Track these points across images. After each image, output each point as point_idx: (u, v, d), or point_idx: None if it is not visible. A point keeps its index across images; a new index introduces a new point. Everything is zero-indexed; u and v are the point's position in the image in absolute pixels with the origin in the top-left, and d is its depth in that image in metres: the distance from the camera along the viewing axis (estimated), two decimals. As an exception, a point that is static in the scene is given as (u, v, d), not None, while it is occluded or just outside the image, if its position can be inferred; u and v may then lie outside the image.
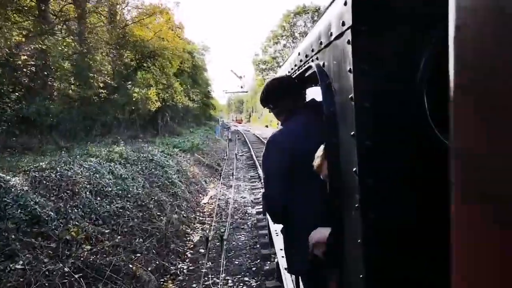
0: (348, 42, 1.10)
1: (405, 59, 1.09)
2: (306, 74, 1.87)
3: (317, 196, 1.66)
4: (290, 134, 1.93)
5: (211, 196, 10.29)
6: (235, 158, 17.58)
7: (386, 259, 1.12)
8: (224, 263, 5.70)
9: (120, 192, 6.54)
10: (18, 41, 10.44)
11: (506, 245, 0.35)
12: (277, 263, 4.60)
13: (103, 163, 7.37)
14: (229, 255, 6.11)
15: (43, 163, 6.28)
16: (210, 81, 40.71)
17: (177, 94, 20.43)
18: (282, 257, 3.51)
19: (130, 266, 4.78)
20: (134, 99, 15.83)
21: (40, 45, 10.67)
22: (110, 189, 6.36)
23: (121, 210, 6.01)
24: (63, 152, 9.15)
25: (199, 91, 30.81)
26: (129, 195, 6.67)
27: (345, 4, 1.10)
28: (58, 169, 5.95)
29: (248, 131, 45.32)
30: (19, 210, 4.42)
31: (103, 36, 15.57)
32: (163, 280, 5.16)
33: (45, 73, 12.02)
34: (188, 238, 6.94)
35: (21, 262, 3.84)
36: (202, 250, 6.33)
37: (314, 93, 2.21)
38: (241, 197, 10.16)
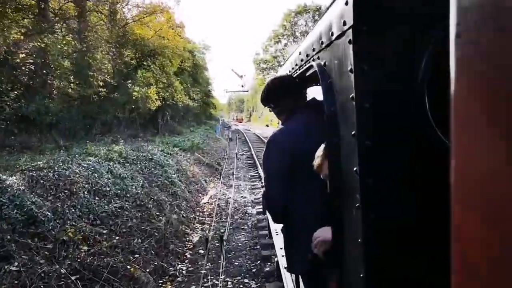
0: (349, 42, 1.10)
1: (406, 59, 1.09)
2: (307, 74, 1.86)
3: (318, 195, 1.65)
4: (291, 134, 1.92)
5: (211, 196, 10.21)
6: (235, 157, 17.51)
7: (386, 259, 1.12)
8: (224, 264, 5.63)
9: (118, 191, 6.47)
10: (17, 39, 10.36)
11: (506, 245, 0.35)
12: (277, 262, 4.57)
13: (102, 162, 7.30)
14: (229, 256, 6.03)
15: (41, 162, 6.21)
16: (211, 80, 40.67)
17: (178, 93, 20.36)
18: (282, 256, 3.51)
19: (128, 267, 4.70)
20: (134, 98, 15.77)
21: (39, 43, 10.58)
22: (108, 188, 6.28)
23: (119, 210, 5.93)
24: (62, 151, 9.09)
25: (200, 90, 30.74)
26: (128, 195, 6.59)
27: (346, 4, 1.10)
28: (56, 168, 5.87)
29: (249, 130, 45.25)
30: (15, 210, 4.34)
31: (103, 34, 15.50)
32: (161, 281, 5.08)
33: (44, 71, 11.95)
34: (187, 239, 6.86)
35: (16, 264, 3.76)
36: (201, 251, 6.25)
37: (315, 92, 2.22)
38: (241, 196, 10.08)
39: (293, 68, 2.22)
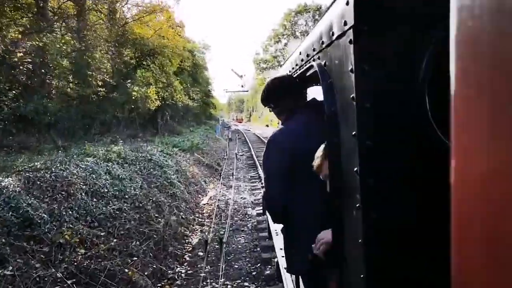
0: (350, 42, 1.09)
1: (406, 59, 1.09)
2: (307, 74, 1.86)
3: (318, 196, 1.65)
4: (291, 134, 1.92)
5: (210, 197, 10.13)
6: (235, 158, 17.42)
7: (387, 259, 1.12)
8: (224, 267, 5.54)
9: (117, 193, 6.38)
10: (14, 38, 10.27)
11: (506, 245, 0.35)
12: (277, 263, 4.53)
13: (100, 163, 7.21)
14: (228, 258, 5.94)
15: (38, 163, 6.12)
16: (211, 80, 40.57)
17: (177, 93, 20.27)
18: (282, 256, 3.49)
19: (126, 270, 4.61)
20: (133, 97, 15.67)
21: (37, 42, 10.49)
22: (106, 190, 6.19)
23: (117, 212, 5.84)
24: (60, 151, 8.99)
25: (199, 90, 30.65)
26: (126, 196, 6.50)
27: (347, 4, 1.10)
28: (53, 169, 5.78)
29: (249, 130, 45.15)
30: (10, 213, 4.25)
31: (102, 33, 15.41)
32: (160, 285, 4.99)
33: (43, 71, 11.85)
34: (186, 241, 6.77)
35: (10, 268, 3.67)
36: (201, 253, 6.17)
37: (315, 92, 2.23)
38: (241, 198, 10.00)
39: (293, 68, 2.20)
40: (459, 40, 0.40)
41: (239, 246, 6.50)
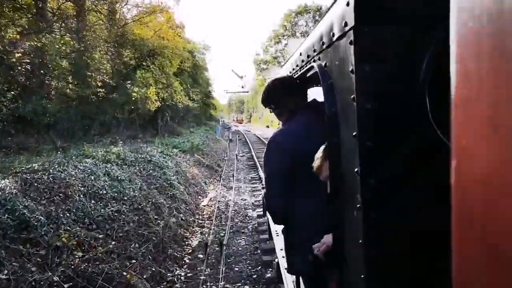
0: (351, 43, 1.09)
1: (407, 60, 1.09)
2: (308, 75, 1.86)
3: (318, 196, 1.65)
4: (291, 135, 1.92)
5: (210, 198, 10.04)
6: (235, 159, 17.34)
7: (387, 260, 1.13)
8: (224, 269, 5.46)
9: (115, 194, 6.30)
10: (13, 38, 10.20)
11: (506, 245, 0.35)
12: (277, 265, 4.49)
13: (99, 164, 7.13)
14: (228, 261, 5.86)
15: (36, 164, 6.04)
16: (211, 80, 40.48)
17: (177, 94, 20.19)
18: (283, 257, 3.48)
19: (124, 273, 4.53)
20: (133, 98, 15.60)
21: (35, 43, 10.42)
22: (105, 191, 6.11)
23: (116, 214, 5.76)
24: (59, 152, 8.92)
25: (200, 90, 30.58)
26: (125, 198, 6.42)
27: (348, 4, 1.10)
28: (51, 170, 5.71)
29: (249, 131, 45.06)
30: (6, 215, 4.17)
31: (101, 34, 15.34)
32: (159, 288, 4.91)
33: (42, 71, 11.78)
34: (186, 243, 6.69)
35: (6, 272, 3.59)
36: (200, 256, 6.08)
37: (315, 93, 2.24)
38: (242, 199, 9.91)
39: (293, 69, 2.20)
40: (459, 40, 0.40)
41: (240, 249, 6.42)
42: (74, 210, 5.13)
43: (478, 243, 0.39)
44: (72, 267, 4.14)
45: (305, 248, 1.71)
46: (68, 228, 4.70)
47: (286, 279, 3.55)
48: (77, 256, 4.36)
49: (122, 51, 16.98)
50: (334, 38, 1.26)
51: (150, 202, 7.00)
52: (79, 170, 6.26)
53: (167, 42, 18.85)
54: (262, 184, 8.09)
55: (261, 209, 7.85)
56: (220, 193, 10.58)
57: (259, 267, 5.50)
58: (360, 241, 1.14)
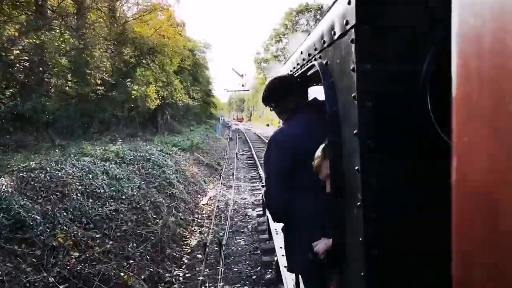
0: (352, 42, 1.09)
1: (408, 59, 1.09)
2: (309, 73, 1.86)
3: (318, 195, 1.64)
4: (292, 133, 1.92)
5: (210, 197, 9.97)
6: (235, 157, 17.27)
7: (387, 258, 1.12)
8: (223, 270, 5.38)
9: (114, 193, 6.22)
10: (11, 35, 10.11)
11: (506, 245, 0.35)
12: (277, 261, 4.45)
13: (98, 163, 7.06)
14: (228, 261, 5.79)
15: (33, 162, 5.97)
16: (211, 79, 40.31)
17: (177, 92, 20.11)
18: (282, 255, 3.46)
19: (121, 274, 4.46)
20: (133, 96, 15.52)
21: (34, 40, 10.34)
22: (103, 190, 6.04)
23: (114, 213, 5.69)
24: (57, 150, 8.85)
25: (200, 89, 30.48)
26: (124, 197, 6.35)
27: (349, 3, 1.09)
28: (48, 169, 5.63)
29: (249, 130, 44.96)
30: (1, 214, 4.10)
31: (101, 32, 15.24)
32: (157, 289, 4.84)
33: (41, 69, 11.70)
34: (185, 242, 6.61)
35: (0, 273, 3.52)
36: (199, 255, 6.01)
37: (316, 92, 2.25)
38: (241, 198, 9.84)
39: (294, 68, 2.20)
40: (460, 38, 0.40)
41: (239, 249, 6.34)
42: (71, 209, 5.06)
43: (478, 243, 0.39)
44: (68, 267, 4.08)
45: (305, 247, 1.72)
46: (65, 227, 4.63)
47: (286, 278, 3.52)
48: (73, 257, 4.29)
49: (122, 49, 16.88)
50: (335, 37, 1.25)
51: (149, 201, 6.93)
52: (77, 169, 6.18)
53: (167, 40, 18.77)
54: (262, 183, 8.04)
55: (261, 209, 7.79)
56: (220, 192, 10.51)
57: (259, 268, 5.43)
58: (360, 239, 1.14)
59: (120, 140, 11.55)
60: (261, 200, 7.70)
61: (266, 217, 6.31)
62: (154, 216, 6.54)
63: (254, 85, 71.20)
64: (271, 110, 2.23)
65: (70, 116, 12.67)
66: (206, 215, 8.45)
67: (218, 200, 9.52)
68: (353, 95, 1.12)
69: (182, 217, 7.49)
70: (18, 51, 10.01)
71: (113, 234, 5.24)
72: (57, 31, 12.83)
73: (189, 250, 6.29)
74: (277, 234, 4.80)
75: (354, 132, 1.13)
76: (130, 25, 17.27)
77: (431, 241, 1.05)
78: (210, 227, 7.36)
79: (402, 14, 1.07)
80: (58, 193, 5.21)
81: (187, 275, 5.36)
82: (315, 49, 1.59)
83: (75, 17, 14.61)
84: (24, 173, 5.30)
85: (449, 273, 0.43)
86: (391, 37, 1.08)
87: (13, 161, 6.48)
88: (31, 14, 12.40)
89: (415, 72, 1.08)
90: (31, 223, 4.28)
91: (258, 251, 6.00)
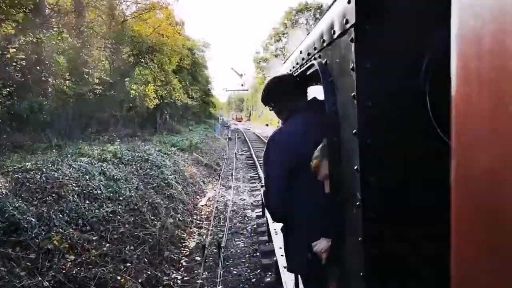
0: (352, 40, 1.09)
1: (408, 58, 1.08)
2: (308, 73, 1.86)
3: (318, 195, 1.65)
4: (291, 133, 1.92)
5: (209, 198, 9.88)
6: (234, 158, 17.18)
7: (386, 258, 1.12)
8: (222, 273, 5.30)
9: (111, 194, 6.13)
10: (7, 33, 10.00)
11: (506, 244, 0.35)
12: (276, 261, 4.39)
13: (95, 163, 6.96)
14: (227, 263, 5.70)
15: (29, 163, 5.87)
16: (210, 78, 40.24)
17: (176, 91, 20.00)
18: (282, 255, 3.44)
19: (118, 278, 4.37)
20: (131, 96, 15.41)
21: (30, 39, 10.22)
22: (100, 191, 5.94)
23: (111, 215, 5.59)
24: (54, 150, 8.75)
25: (199, 88, 30.37)
26: (121, 198, 6.25)
27: (349, 2, 1.09)
28: (44, 170, 5.54)
29: (248, 129, 44.85)
30: (-5, 217, 4.00)
31: (100, 30, 15.13)
32: (154, 292, 4.74)
33: (38, 67, 11.58)
34: (183, 244, 6.52)
35: (-8, 277, 3.42)
36: (198, 258, 5.92)
37: (315, 91, 2.24)
38: (241, 199, 9.75)
39: (294, 67, 2.19)
40: (460, 39, 0.40)
41: (238, 251, 6.25)
42: (67, 211, 4.96)
43: (478, 242, 0.39)
44: (64, 271, 3.98)
45: (305, 247, 1.73)
46: (61, 230, 4.53)
47: (285, 278, 3.49)
48: (69, 260, 4.20)
49: (121, 48, 16.76)
50: (335, 36, 1.25)
51: (147, 202, 6.84)
52: (74, 169, 6.09)
53: (166, 39, 18.66)
54: (261, 183, 7.94)
55: (260, 210, 7.70)
56: (219, 192, 10.42)
57: (258, 271, 5.34)
58: (359, 238, 1.14)
59: (118, 140, 11.44)
60: (260, 201, 7.62)
61: (265, 218, 6.23)
62: (152, 217, 6.45)
63: (253, 85, 71.09)
64: (270, 110, 2.22)
65: (67, 115, 12.57)
66: (205, 216, 8.36)
67: (217, 201, 9.43)
68: (352, 94, 1.11)
69: (180, 219, 7.40)
70: (14, 50, 9.89)
71: (110, 236, 5.14)
72: (55, 29, 12.72)
73: (187, 252, 6.20)
74: (276, 234, 4.74)
75: (354, 131, 1.12)
76: (129, 24, 17.16)
77: (430, 241, 1.05)
78: (209, 229, 7.27)
79: (402, 13, 1.07)
80: (54, 195, 5.12)
81: (186, 278, 5.27)
82: (315, 49, 1.58)
83: (73, 15, 14.49)
84: (20, 174, 5.20)
85: (449, 273, 0.43)
86: (391, 36, 1.07)
87: (9, 161, 6.37)
88: (29, 12, 12.28)
89: (414, 71, 1.07)
90: (26, 226, 4.19)
91: (258, 253, 5.91)
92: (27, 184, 5.03)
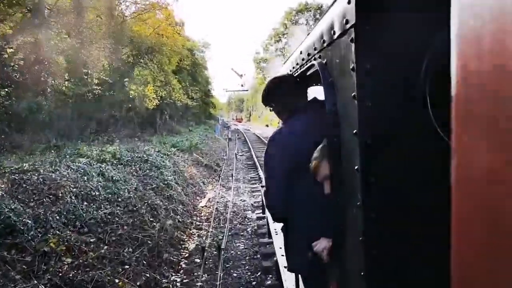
0: (352, 41, 1.09)
1: (408, 58, 1.08)
2: (308, 73, 1.87)
3: (318, 195, 1.65)
4: (292, 134, 1.92)
5: (209, 199, 9.80)
6: (235, 158, 17.10)
7: (387, 257, 1.13)
8: (222, 275, 5.22)
9: (109, 196, 6.05)
10: (4, 33, 9.93)
11: (506, 244, 0.35)
12: (276, 261, 4.37)
13: (93, 164, 6.89)
14: (227, 266, 5.62)
15: (27, 163, 5.80)
16: (210, 79, 40.15)
17: (176, 92, 19.93)
18: (282, 255, 3.44)
19: (116, 281, 4.29)
20: (131, 96, 15.34)
21: (30, 38, 10.16)
22: (98, 193, 5.86)
23: (109, 217, 5.51)
24: (52, 151, 8.67)
25: (199, 89, 30.30)
26: (120, 199, 6.17)
27: (349, 2, 1.10)
28: (41, 170, 5.47)
29: (248, 130, 44.77)
30: (-10, 219, 3.93)
31: (99, 31, 15.07)
32: (153, 295, 4.66)
33: (37, 68, 11.51)
34: (183, 246, 6.44)
35: (-14, 281, 3.34)
36: (197, 260, 5.84)
37: (316, 92, 2.26)
38: (241, 200, 9.67)
39: (294, 67, 2.20)
40: (460, 39, 0.40)
41: (238, 253, 6.17)
42: (65, 213, 4.88)
43: (478, 242, 0.39)
44: (60, 274, 3.90)
45: (305, 246, 1.73)
46: (58, 232, 4.45)
47: (285, 278, 3.46)
48: (65, 263, 4.12)
49: (120, 48, 16.68)
50: (335, 36, 1.25)
51: (146, 203, 6.75)
52: (72, 170, 6.01)
53: (166, 40, 18.60)
54: (262, 184, 7.87)
55: (261, 211, 7.62)
56: (219, 193, 10.34)
57: (259, 273, 5.26)
58: (360, 239, 1.14)
59: (118, 141, 11.39)
60: (261, 202, 7.54)
61: (266, 219, 6.15)
62: (151, 219, 6.37)
63: (253, 85, 70.99)
64: (270, 110, 2.22)
65: (67, 116, 12.50)
66: (205, 218, 8.28)
67: (217, 202, 9.35)
68: (352, 94, 1.11)
69: (180, 220, 7.32)
70: (12, 50, 9.82)
71: (108, 238, 5.06)
72: (54, 29, 12.65)
73: (187, 254, 6.12)
74: (276, 234, 4.68)
75: (354, 131, 1.12)
76: (128, 24, 17.10)
77: (431, 241, 1.04)
78: (209, 230, 7.19)
79: (402, 13, 1.07)
80: (51, 196, 5.04)
81: (185, 280, 5.19)
82: (315, 49, 1.58)
83: (73, 15, 14.42)
84: (16, 175, 5.13)
85: (449, 273, 0.43)
86: (391, 37, 1.07)
87: (6, 162, 6.29)
88: (28, 12, 12.22)
89: (414, 71, 1.07)
90: (22, 228, 4.11)
91: (258, 256, 5.83)
92: (24, 185, 4.95)
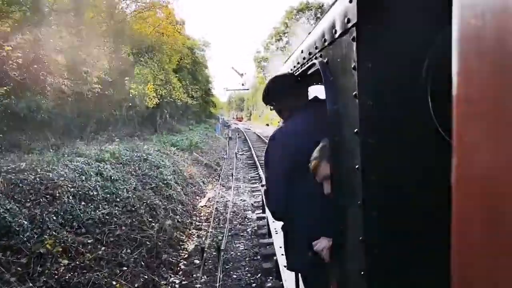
0: (353, 40, 1.10)
1: (409, 57, 1.08)
2: (309, 72, 1.86)
3: (318, 194, 1.64)
4: (292, 133, 1.92)
5: (209, 199, 9.72)
6: (235, 158, 17.02)
7: (387, 257, 1.12)
8: (221, 277, 5.14)
9: (108, 196, 5.97)
10: (3, 31, 9.85)
11: (506, 244, 0.35)
12: (276, 260, 4.33)
13: (92, 163, 6.81)
14: (226, 267, 5.54)
15: (24, 163, 5.72)
16: (211, 78, 40.00)
17: (176, 91, 19.84)
18: (282, 255, 3.42)
19: (114, 283, 4.22)
20: (131, 95, 15.25)
21: (29, 37, 10.08)
22: (96, 192, 5.78)
23: (107, 217, 5.43)
24: (51, 150, 8.60)
25: (199, 88, 30.19)
26: (118, 199, 6.09)
27: (350, 1, 1.10)
28: (38, 170, 5.38)
29: (249, 129, 44.67)
30: (-16, 220, 3.85)
31: (99, 29, 14.98)
32: (151, 297, 4.59)
33: (36, 66, 11.43)
34: (182, 247, 6.36)
35: (-20, 284, 3.27)
36: (197, 261, 5.76)
37: (317, 91, 2.26)
38: (241, 199, 9.59)
39: (295, 66, 2.20)
40: (461, 38, 0.40)
41: (238, 254, 6.10)
42: (62, 213, 4.81)
43: (478, 242, 0.39)
44: (56, 276, 3.83)
45: (305, 245, 1.73)
46: (54, 233, 4.38)
47: (285, 277, 3.44)
48: (62, 264, 4.04)
49: (120, 46, 16.60)
50: (336, 35, 1.25)
51: (145, 203, 6.68)
52: (70, 170, 5.94)
53: (166, 38, 18.51)
54: (262, 183, 7.80)
55: (261, 211, 7.55)
56: (219, 193, 10.26)
57: (259, 275, 5.18)
58: (361, 237, 1.14)
59: (118, 140, 11.31)
60: (261, 202, 7.47)
61: (266, 219, 6.07)
62: (150, 219, 6.29)
63: (254, 84, 70.89)
64: (271, 109, 2.21)
65: (66, 115, 12.41)
66: (205, 218, 8.20)
67: (217, 202, 9.27)
68: (354, 93, 1.11)
69: (179, 220, 7.24)
70: (10, 48, 9.74)
71: (105, 239, 4.98)
72: (54, 27, 12.57)
73: (186, 255, 6.04)
74: (276, 233, 4.62)
75: (355, 130, 1.12)
76: (129, 23, 17.01)
77: (431, 241, 1.04)
78: (209, 231, 7.11)
79: (404, 12, 1.06)
80: (48, 196, 4.96)
81: (184, 282, 5.11)
82: (316, 48, 1.58)
83: (72, 14, 14.34)
84: (13, 174, 5.05)
85: (449, 273, 0.42)
86: (392, 35, 1.06)
87: (3, 161, 6.22)
88: (27, 9, 12.13)
89: (416, 70, 1.06)
90: (17, 229, 4.03)
91: (258, 257, 5.75)
92: (20, 185, 4.87)
